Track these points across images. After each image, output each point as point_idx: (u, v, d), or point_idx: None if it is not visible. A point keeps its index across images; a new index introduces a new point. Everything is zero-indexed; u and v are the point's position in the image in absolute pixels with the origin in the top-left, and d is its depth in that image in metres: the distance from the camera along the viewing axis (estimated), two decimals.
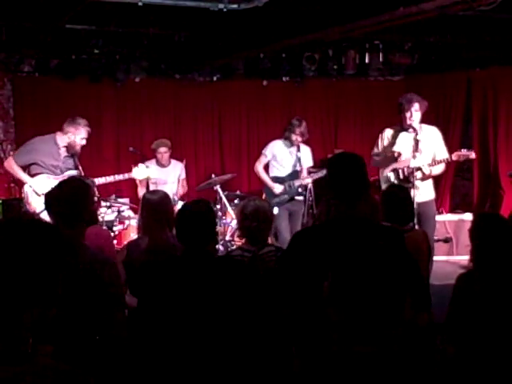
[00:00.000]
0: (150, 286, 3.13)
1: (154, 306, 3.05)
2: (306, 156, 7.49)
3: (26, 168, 6.20)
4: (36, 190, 6.05)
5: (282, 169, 7.39)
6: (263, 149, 7.55)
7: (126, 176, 6.70)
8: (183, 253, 3.17)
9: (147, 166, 6.85)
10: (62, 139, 6.24)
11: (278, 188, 7.30)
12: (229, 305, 3.00)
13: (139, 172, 6.69)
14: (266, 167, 7.53)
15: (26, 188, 6.16)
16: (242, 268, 3.30)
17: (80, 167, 6.38)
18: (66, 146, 6.27)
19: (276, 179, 7.35)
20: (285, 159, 7.37)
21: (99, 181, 6.46)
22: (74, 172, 6.28)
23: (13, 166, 6.21)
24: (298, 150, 7.33)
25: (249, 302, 3.06)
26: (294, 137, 7.21)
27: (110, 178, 6.59)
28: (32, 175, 6.16)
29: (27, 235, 1.53)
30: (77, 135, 6.23)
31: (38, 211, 5.93)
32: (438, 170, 6.50)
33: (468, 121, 9.15)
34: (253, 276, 3.29)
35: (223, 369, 2.93)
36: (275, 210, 7.64)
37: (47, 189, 6.10)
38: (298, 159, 7.33)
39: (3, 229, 1.54)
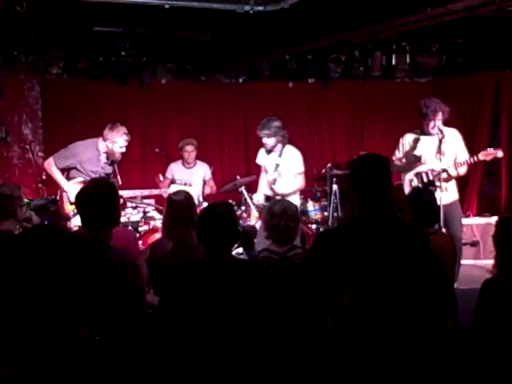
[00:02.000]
0: (171, 289, 3.14)
1: (175, 309, 3.06)
2: (291, 160, 6.67)
3: (64, 171, 6.24)
4: (69, 197, 6.07)
5: (269, 176, 6.89)
6: None
7: (162, 193, 6.70)
8: (204, 256, 3.18)
9: (185, 183, 6.82)
10: (102, 146, 6.27)
11: (256, 197, 7.08)
12: (248, 308, 3.00)
13: (175, 189, 6.65)
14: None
15: (62, 192, 6.20)
16: (262, 271, 3.29)
17: (118, 175, 6.41)
18: (107, 153, 6.29)
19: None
20: (267, 166, 6.91)
21: (132, 194, 6.49)
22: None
23: (52, 168, 6.24)
24: (280, 155, 6.72)
25: (269, 305, 3.06)
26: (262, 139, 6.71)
27: (144, 192, 6.61)
28: (70, 179, 6.20)
29: (51, 244, 1.56)
30: (115, 143, 6.25)
31: (71, 215, 5.99)
32: (462, 171, 6.45)
33: (496, 123, 9.04)
34: (275, 279, 3.29)
35: (244, 371, 2.93)
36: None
37: None
38: (276, 166, 6.74)
39: (29, 238, 1.59)
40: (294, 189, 6.67)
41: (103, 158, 6.30)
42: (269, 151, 6.79)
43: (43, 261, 1.53)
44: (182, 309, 3.04)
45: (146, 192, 6.74)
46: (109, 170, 6.38)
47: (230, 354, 2.94)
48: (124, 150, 6.33)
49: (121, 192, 6.23)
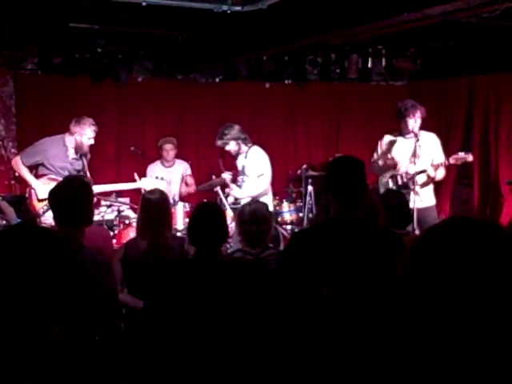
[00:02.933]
0: (162, 288, 3.13)
1: (164, 308, 3.06)
2: (255, 162, 6.56)
3: (33, 168, 6.17)
4: (37, 194, 6.02)
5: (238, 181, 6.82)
6: None
7: (134, 186, 6.58)
8: (195, 255, 3.18)
9: (157, 177, 6.79)
10: (70, 140, 6.21)
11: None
12: (240, 308, 3.01)
13: (148, 182, 6.60)
14: None
15: (31, 189, 6.13)
16: (254, 271, 3.32)
17: (87, 170, 6.35)
18: (75, 147, 6.23)
19: None
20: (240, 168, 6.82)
21: (104, 188, 6.41)
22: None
23: (19, 166, 6.18)
24: (246, 156, 6.64)
25: (259, 305, 3.07)
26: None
27: (116, 186, 6.53)
28: (39, 176, 6.13)
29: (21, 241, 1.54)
30: (83, 135, 6.19)
31: (40, 212, 5.92)
32: (440, 174, 6.50)
33: (469, 127, 9.15)
34: (264, 279, 3.31)
35: (229, 370, 2.94)
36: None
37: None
38: (242, 167, 6.65)
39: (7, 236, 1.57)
40: (257, 191, 6.39)
41: (71, 153, 6.23)
42: (236, 156, 6.71)
43: (27, 260, 1.51)
44: (173, 308, 3.04)
45: (127, 186, 6.63)
46: (78, 165, 6.31)
47: (219, 353, 2.95)
48: (93, 141, 6.28)
49: (94, 187, 6.21)
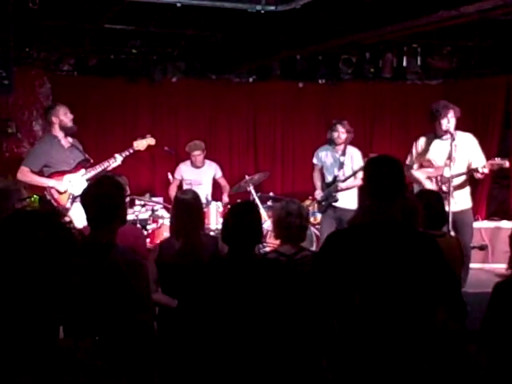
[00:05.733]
0: (196, 288, 3.15)
1: (199, 307, 3.07)
2: (354, 159, 7.04)
3: (39, 173, 6.17)
4: (58, 189, 6.06)
5: (327, 175, 7.19)
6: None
7: (131, 151, 6.48)
8: (229, 254, 3.19)
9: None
10: (55, 129, 6.20)
11: (318, 194, 7.16)
12: (272, 307, 3.01)
13: (140, 143, 6.61)
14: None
15: (50, 189, 6.15)
16: (286, 271, 3.32)
17: (86, 154, 6.36)
18: (63, 131, 6.20)
19: (326, 186, 7.16)
20: (329, 164, 7.16)
21: (103, 165, 6.30)
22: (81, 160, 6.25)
23: (27, 174, 6.04)
24: (343, 153, 7.00)
25: (290, 305, 3.06)
26: (334, 139, 7.01)
27: (115, 158, 6.40)
28: (47, 177, 6.15)
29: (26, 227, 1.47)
30: (60, 115, 6.19)
31: (67, 207, 5.99)
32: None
33: (507, 127, 8.99)
34: (295, 279, 3.30)
35: (263, 368, 2.94)
36: (318, 217, 7.64)
37: (67, 184, 6.05)
38: (340, 164, 7.00)
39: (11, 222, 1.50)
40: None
41: (64, 142, 6.23)
42: (334, 149, 7.09)
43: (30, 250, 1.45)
44: (207, 306, 3.05)
45: (123, 154, 6.48)
46: (77, 153, 6.29)
47: (251, 352, 2.95)
48: (71, 116, 6.25)
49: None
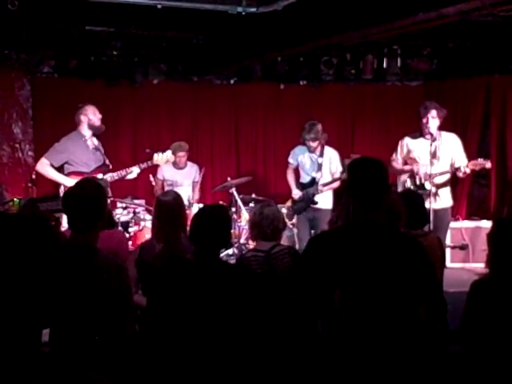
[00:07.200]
0: (160, 289, 3.14)
1: (162, 308, 3.06)
2: (333, 161, 7.04)
3: (59, 169, 6.18)
4: None
5: (304, 175, 7.15)
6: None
7: (150, 163, 6.53)
8: (194, 256, 3.18)
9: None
10: (83, 128, 6.24)
11: (296, 194, 7.11)
12: (235, 311, 3.00)
13: (160, 158, 6.61)
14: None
15: (65, 187, 6.11)
16: (251, 275, 3.31)
17: (107, 160, 6.37)
18: (91, 130, 6.22)
19: (301, 186, 7.14)
20: (306, 165, 7.11)
21: (120, 174, 6.35)
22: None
23: (46, 168, 6.11)
24: (321, 155, 6.97)
25: (256, 308, 3.06)
26: (307, 142, 6.92)
27: (132, 170, 6.41)
28: (66, 175, 6.14)
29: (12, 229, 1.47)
30: (88, 114, 6.22)
31: None
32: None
33: (486, 127, 9.08)
34: (263, 283, 3.30)
35: (226, 372, 2.93)
36: (295, 218, 7.66)
37: None
38: (319, 165, 6.98)
39: None
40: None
41: (90, 143, 6.24)
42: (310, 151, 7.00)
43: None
44: (170, 308, 3.04)
45: (144, 165, 6.55)
46: (98, 156, 6.29)
47: (214, 356, 2.94)
48: (100, 115, 6.27)
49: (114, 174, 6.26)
